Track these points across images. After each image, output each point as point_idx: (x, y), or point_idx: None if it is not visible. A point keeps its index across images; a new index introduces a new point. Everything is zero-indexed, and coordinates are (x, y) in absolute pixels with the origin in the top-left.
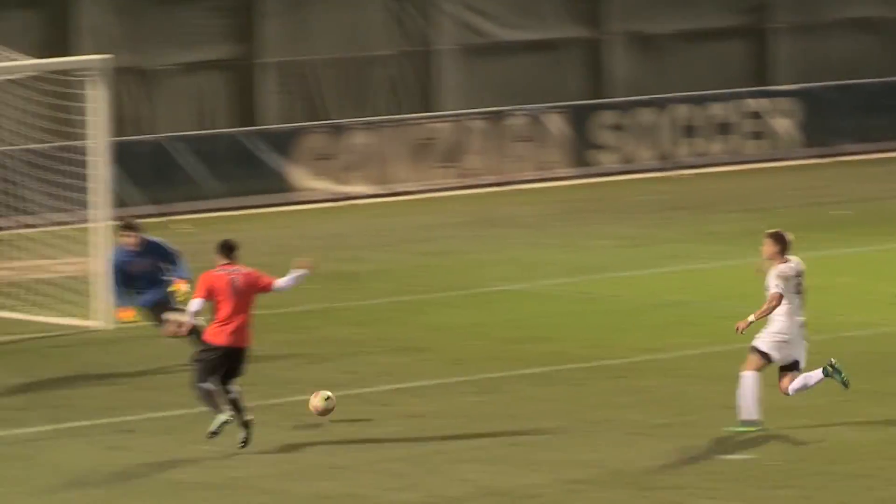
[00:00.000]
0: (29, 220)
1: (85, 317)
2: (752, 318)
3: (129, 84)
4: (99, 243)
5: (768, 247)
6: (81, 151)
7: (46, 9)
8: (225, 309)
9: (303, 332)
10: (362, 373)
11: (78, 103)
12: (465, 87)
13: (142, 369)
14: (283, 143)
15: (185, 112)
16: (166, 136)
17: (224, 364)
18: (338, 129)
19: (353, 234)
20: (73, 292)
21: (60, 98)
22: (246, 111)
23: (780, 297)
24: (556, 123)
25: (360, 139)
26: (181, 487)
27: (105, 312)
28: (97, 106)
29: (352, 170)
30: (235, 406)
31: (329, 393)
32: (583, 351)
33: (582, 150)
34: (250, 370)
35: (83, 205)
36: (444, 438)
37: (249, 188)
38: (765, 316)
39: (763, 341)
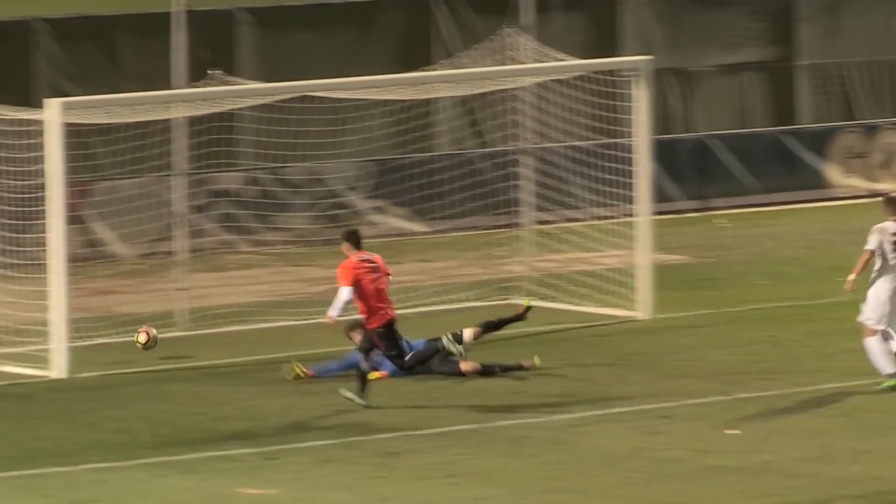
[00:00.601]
0: (573, 214)
1: (626, 307)
2: (852, 276)
3: (672, 84)
4: (641, 237)
5: (885, 208)
6: (625, 149)
7: (592, 11)
8: (371, 291)
9: (833, 322)
10: None
11: (622, 102)
12: None
13: (680, 358)
14: (819, 142)
15: (725, 111)
16: (706, 135)
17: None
18: (870, 129)
19: None
20: (615, 284)
21: (605, 97)
22: (783, 111)
23: (871, 254)
24: None
25: (891, 139)
26: (714, 471)
27: (646, 304)
28: (640, 105)
29: (884, 168)
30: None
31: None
32: None
33: None
34: (779, 358)
35: (626, 200)
36: None
37: (785, 185)
38: (861, 270)
39: (864, 315)
